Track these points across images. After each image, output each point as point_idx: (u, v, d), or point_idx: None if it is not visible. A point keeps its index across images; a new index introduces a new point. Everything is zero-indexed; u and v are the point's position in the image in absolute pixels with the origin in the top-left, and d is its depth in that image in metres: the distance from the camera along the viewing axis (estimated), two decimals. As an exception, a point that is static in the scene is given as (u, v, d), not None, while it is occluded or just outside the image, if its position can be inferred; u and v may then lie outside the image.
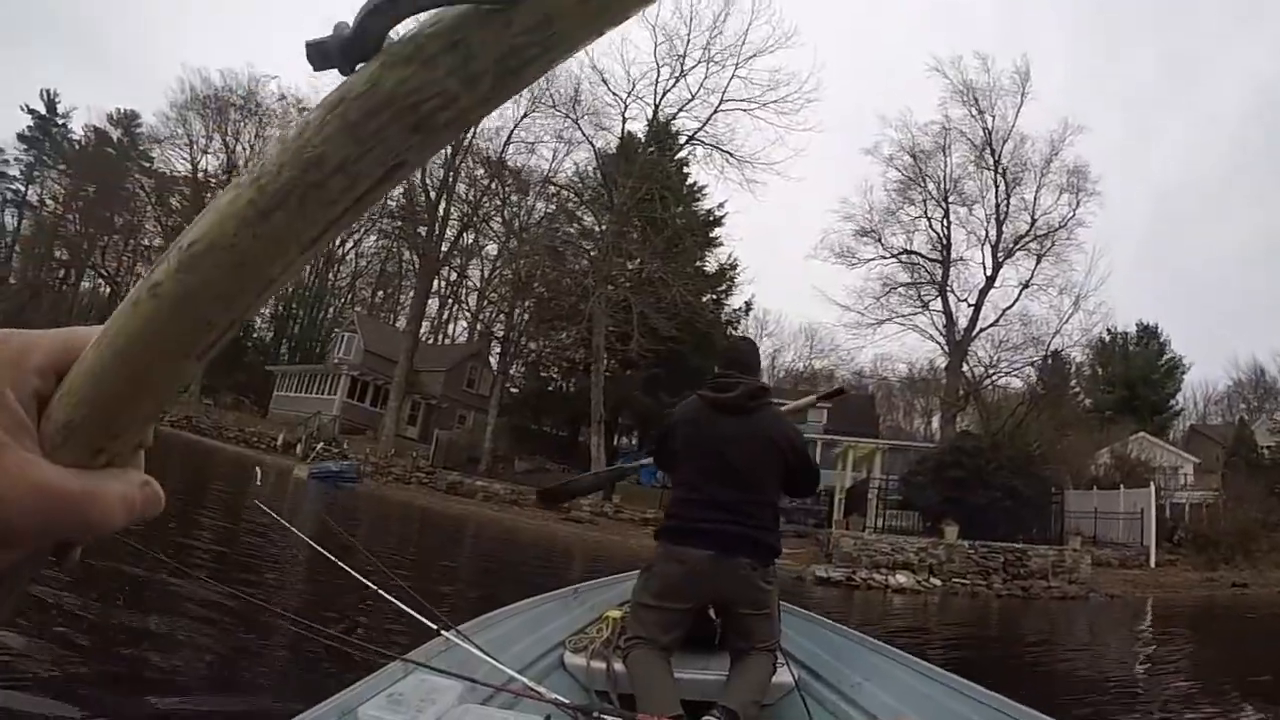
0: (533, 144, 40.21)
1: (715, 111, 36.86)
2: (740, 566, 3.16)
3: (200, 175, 58.12)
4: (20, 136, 69.24)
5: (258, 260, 0.37)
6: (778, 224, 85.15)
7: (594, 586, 4.49)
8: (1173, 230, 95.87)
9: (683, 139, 38.62)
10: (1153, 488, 27.47)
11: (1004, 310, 38.18)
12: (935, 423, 64.60)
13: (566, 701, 2.33)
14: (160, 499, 0.43)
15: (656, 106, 37.12)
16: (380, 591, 3.14)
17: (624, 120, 37.32)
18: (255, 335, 64.13)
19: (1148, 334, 52.52)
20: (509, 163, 40.64)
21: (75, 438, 0.39)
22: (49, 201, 69.46)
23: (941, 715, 2.66)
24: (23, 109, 69.20)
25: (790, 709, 3.13)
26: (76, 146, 68.51)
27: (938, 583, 20.31)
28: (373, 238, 57.55)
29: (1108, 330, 43.51)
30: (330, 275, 65.37)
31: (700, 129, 37.24)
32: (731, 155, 36.93)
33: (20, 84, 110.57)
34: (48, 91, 70.13)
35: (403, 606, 2.86)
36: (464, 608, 3.64)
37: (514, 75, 0.36)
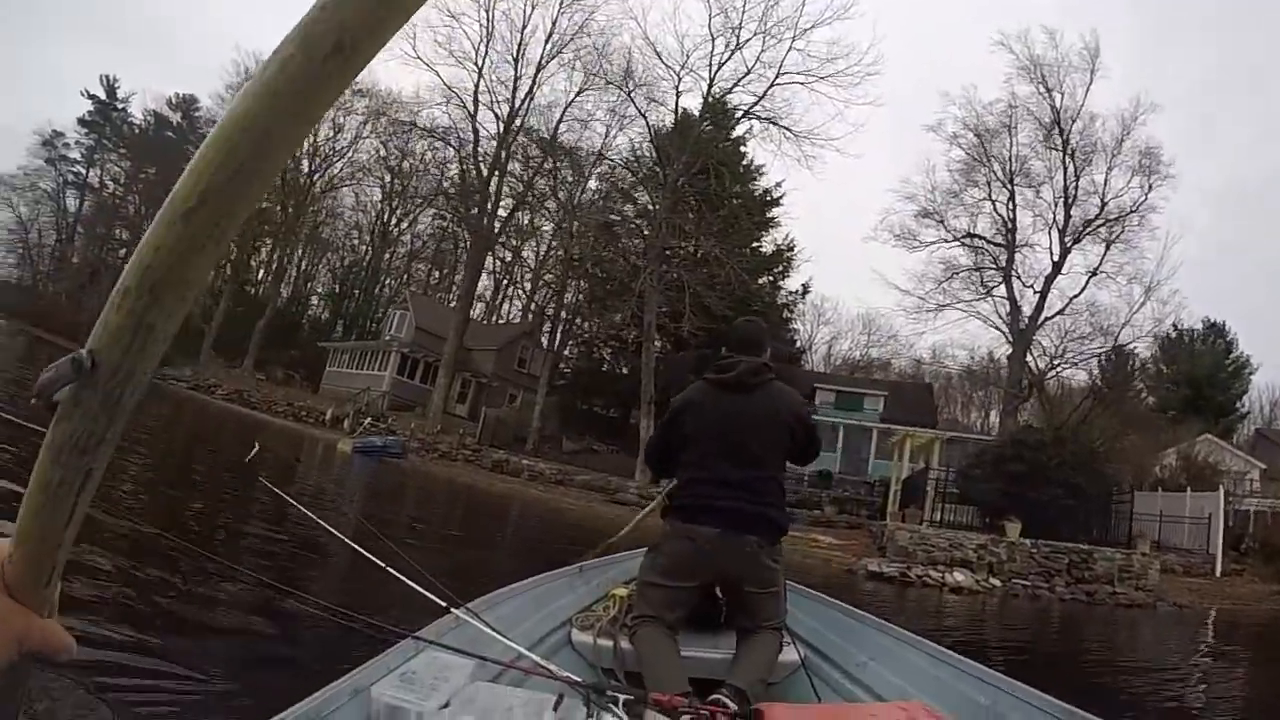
0: (586, 121, 39.46)
1: (772, 85, 35.27)
2: (748, 544, 3.15)
3: None
4: (81, 121, 70.63)
5: None
6: (836, 207, 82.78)
7: (600, 564, 4.47)
8: (1239, 226, 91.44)
9: (739, 114, 37.29)
10: (1221, 491, 26.03)
11: (1071, 298, 36.46)
12: (994, 416, 63.32)
13: (578, 679, 2.27)
14: (73, 647, 0.68)
15: (711, 80, 35.81)
16: (389, 569, 3.07)
17: (678, 94, 36.19)
18: (310, 313, 64.49)
19: (1214, 331, 50.34)
20: (562, 141, 39.87)
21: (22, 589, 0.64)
22: (110, 184, 71.27)
23: (947, 695, 2.61)
24: (83, 94, 70.77)
25: (797, 687, 3.14)
26: (136, 130, 69.75)
27: (997, 583, 18.99)
28: (428, 217, 57.37)
29: (1174, 326, 41.48)
30: (386, 255, 65.40)
31: (757, 103, 35.72)
32: (789, 130, 35.42)
33: (82, 72, 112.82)
34: (107, 77, 71.49)
35: (412, 584, 2.82)
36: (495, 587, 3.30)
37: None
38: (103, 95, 71.09)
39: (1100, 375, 42.34)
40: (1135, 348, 38.62)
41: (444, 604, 2.65)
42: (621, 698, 2.20)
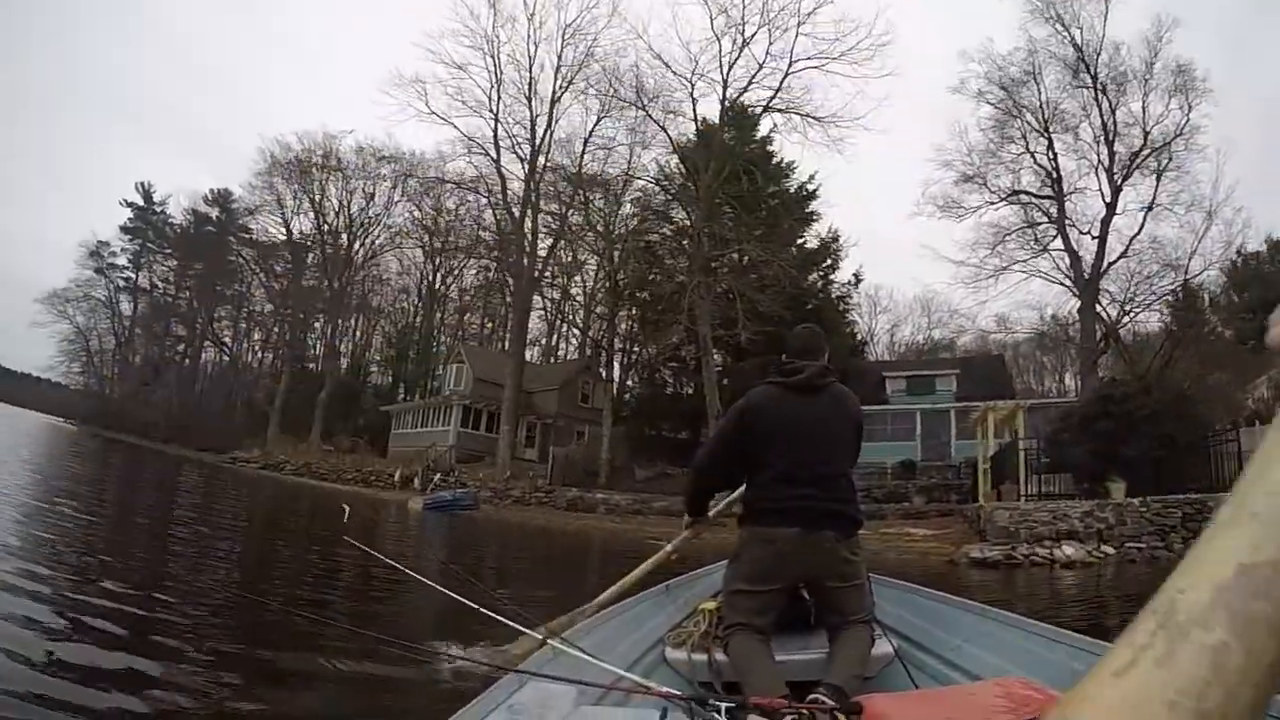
0: (609, 147, 39.07)
1: (786, 75, 34.32)
2: (825, 540, 3.14)
3: (296, 236, 59.91)
4: (123, 228, 73.10)
5: None
6: (877, 192, 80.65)
7: (685, 581, 4.45)
8: None
9: (759, 112, 36.31)
10: None
11: (1131, 238, 34.66)
12: (1069, 379, 61.43)
13: (679, 694, 2.31)
14: None
15: (725, 82, 34.94)
16: (482, 609, 3.17)
17: (694, 102, 35.43)
18: (372, 381, 65.06)
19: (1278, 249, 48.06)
20: (588, 171, 39.50)
21: None
22: (159, 284, 73.58)
23: (1043, 667, 2.57)
24: (122, 203, 73.50)
25: (893, 678, 3.14)
26: (178, 230, 71.73)
27: (1110, 550, 17.53)
28: (473, 270, 57.33)
29: (1237, 252, 38.65)
30: (437, 314, 65.57)
31: (774, 96, 34.74)
32: (812, 117, 34.39)
33: (111, 178, 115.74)
34: (143, 184, 74.03)
35: (506, 621, 2.94)
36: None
37: None
38: (140, 201, 73.36)
39: (1172, 317, 40.33)
40: (1204, 282, 36.83)
41: (539, 636, 2.71)
42: (724, 705, 2.20)
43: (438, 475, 36.13)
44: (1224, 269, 38.01)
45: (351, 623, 6.55)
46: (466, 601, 3.29)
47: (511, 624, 2.96)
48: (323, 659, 5.38)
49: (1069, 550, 17.31)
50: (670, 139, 35.82)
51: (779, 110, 34.99)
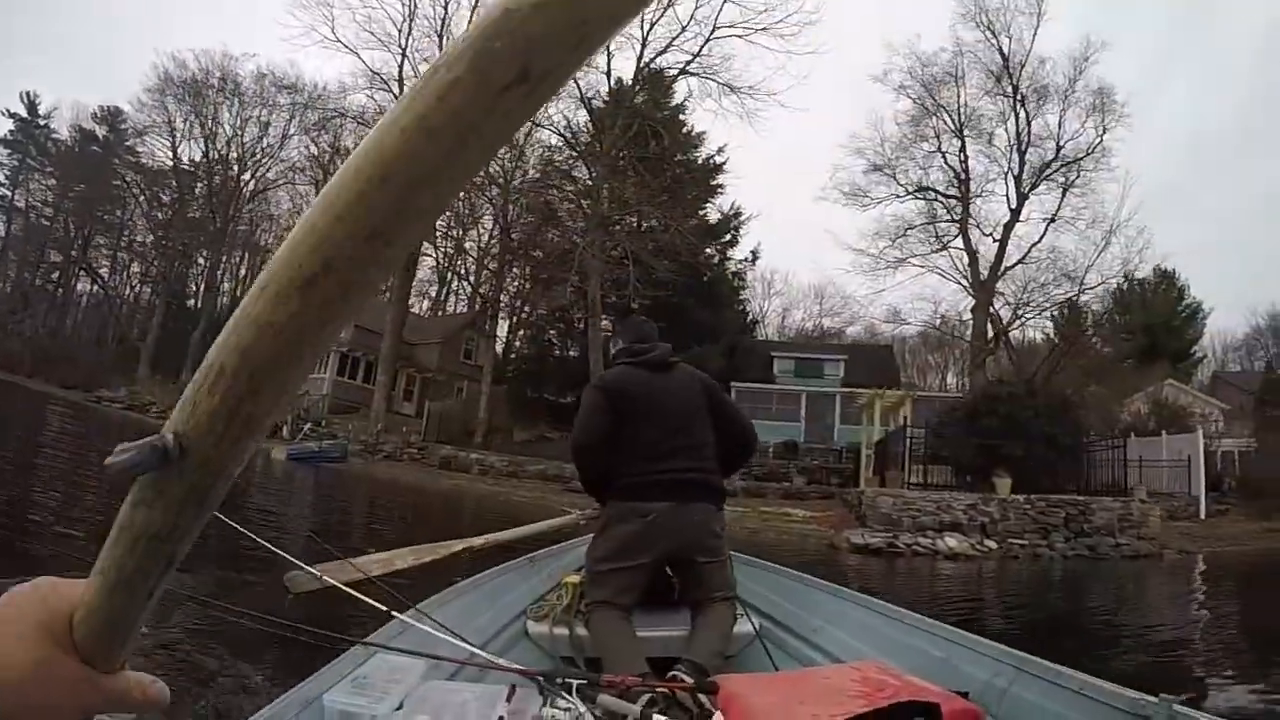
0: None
1: (708, 40, 32.97)
2: (699, 512, 3.19)
3: (185, 164, 55.78)
4: (3, 141, 66.90)
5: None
6: (787, 175, 79.43)
7: (550, 554, 4.33)
8: (1181, 176, 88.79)
9: (674, 74, 34.78)
10: (1200, 432, 24.88)
11: (1031, 246, 34.78)
12: (951, 378, 62.02)
13: (529, 670, 2.33)
14: (165, 695, 0.60)
15: (644, 40, 33.23)
16: (329, 580, 2.90)
17: (609, 55, 33.29)
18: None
19: (1165, 279, 48.86)
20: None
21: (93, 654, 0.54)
22: (37, 204, 67.29)
23: (902, 651, 2.61)
24: (3, 114, 66.64)
25: (754, 657, 3.13)
26: (62, 147, 65.93)
27: (993, 544, 16.94)
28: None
29: (1124, 276, 39.05)
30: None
31: (693, 60, 33.37)
32: (728, 86, 33.17)
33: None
34: (28, 94, 67.71)
35: (354, 593, 2.75)
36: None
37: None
38: (24, 112, 67.19)
39: (1056, 329, 41.15)
40: (1092, 299, 37.01)
41: (386, 608, 2.58)
42: (574, 683, 2.18)
43: (308, 425, 34.22)
44: (1110, 291, 38.46)
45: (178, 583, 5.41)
46: (311, 571, 3.00)
47: (355, 593, 2.77)
48: (160, 630, 5.11)
49: (952, 542, 16.72)
50: (579, 89, 33.69)
51: (696, 74, 33.54)
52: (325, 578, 2.94)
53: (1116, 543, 17.33)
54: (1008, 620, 9.86)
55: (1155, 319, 44.81)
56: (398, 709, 1.94)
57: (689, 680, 2.42)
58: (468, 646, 2.43)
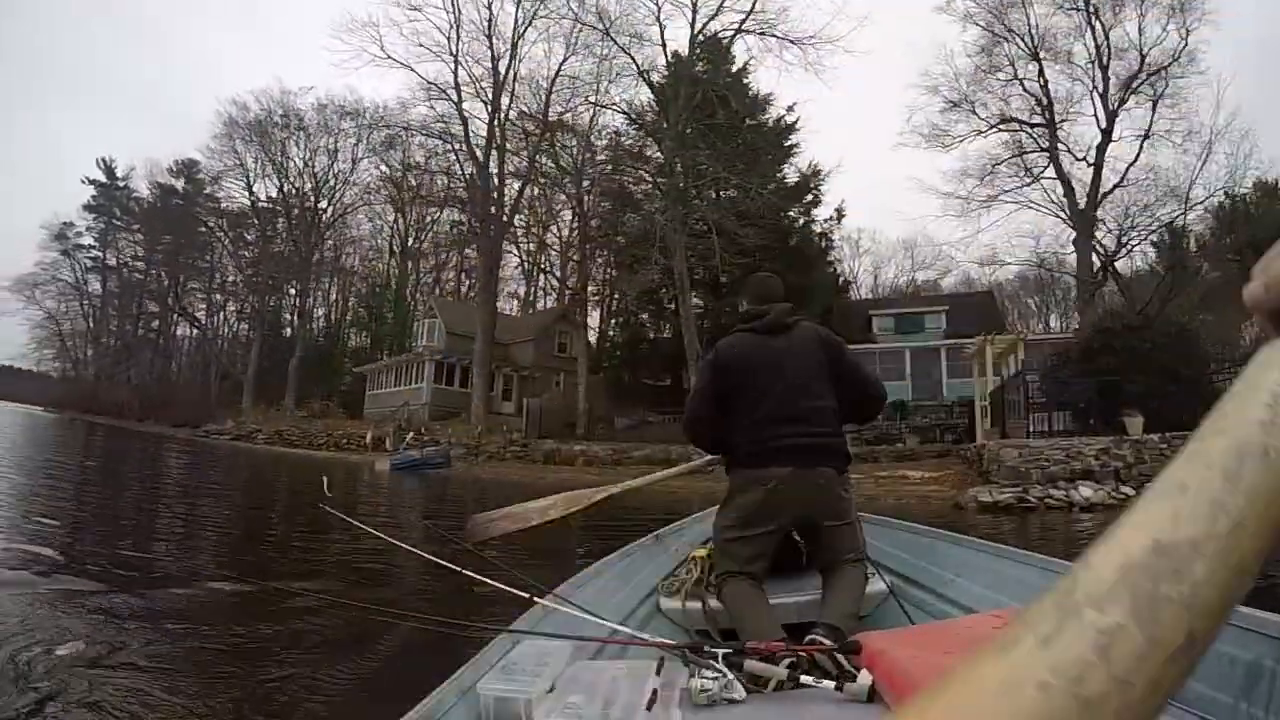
0: (575, 88, 36.30)
1: (760, -10, 31.65)
2: (821, 476, 3.10)
3: (262, 201, 57.11)
4: (86, 207, 70.28)
5: None
6: (859, 131, 77.06)
7: (674, 529, 4.36)
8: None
9: (730, 35, 33.64)
10: None
11: (1128, 166, 32.66)
12: (1053, 321, 59.49)
13: (674, 643, 2.34)
14: None
15: (695, 6, 32.26)
16: (468, 573, 3.07)
17: (661, 28, 32.66)
18: (352, 344, 63.17)
19: (1268, 192, 46.32)
20: (555, 116, 36.94)
21: None
22: (128, 261, 70.63)
23: (1035, 594, 0.83)
24: (84, 181, 70.24)
25: (889, 615, 3.11)
26: (144, 204, 68.39)
27: (1130, 491, 15.25)
28: (446, 227, 54.84)
29: (1225, 194, 36.39)
30: (410, 270, 63.28)
31: (747, 17, 32.21)
32: (787, 39, 32.09)
33: (66, 158, 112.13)
34: (104, 159, 70.89)
35: (495, 584, 2.83)
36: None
37: None
38: (103, 177, 70.30)
39: (1159, 257, 39.78)
40: (1192, 222, 35.25)
41: (527, 595, 2.64)
42: (720, 652, 2.19)
43: (410, 434, 33.96)
44: (1211, 211, 36.32)
45: (336, 595, 6.36)
46: (452, 566, 3.21)
47: (497, 584, 2.78)
48: (312, 632, 5.36)
49: (1086, 491, 15.43)
50: (636, 64, 33.09)
51: (752, 31, 32.49)
52: (469, 573, 3.07)
53: None
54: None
55: (1262, 234, 42.27)
56: (549, 691, 1.98)
57: (827, 642, 2.40)
58: (610, 624, 2.53)
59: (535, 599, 2.62)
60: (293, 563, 8.96)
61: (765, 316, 3.35)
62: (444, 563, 3.26)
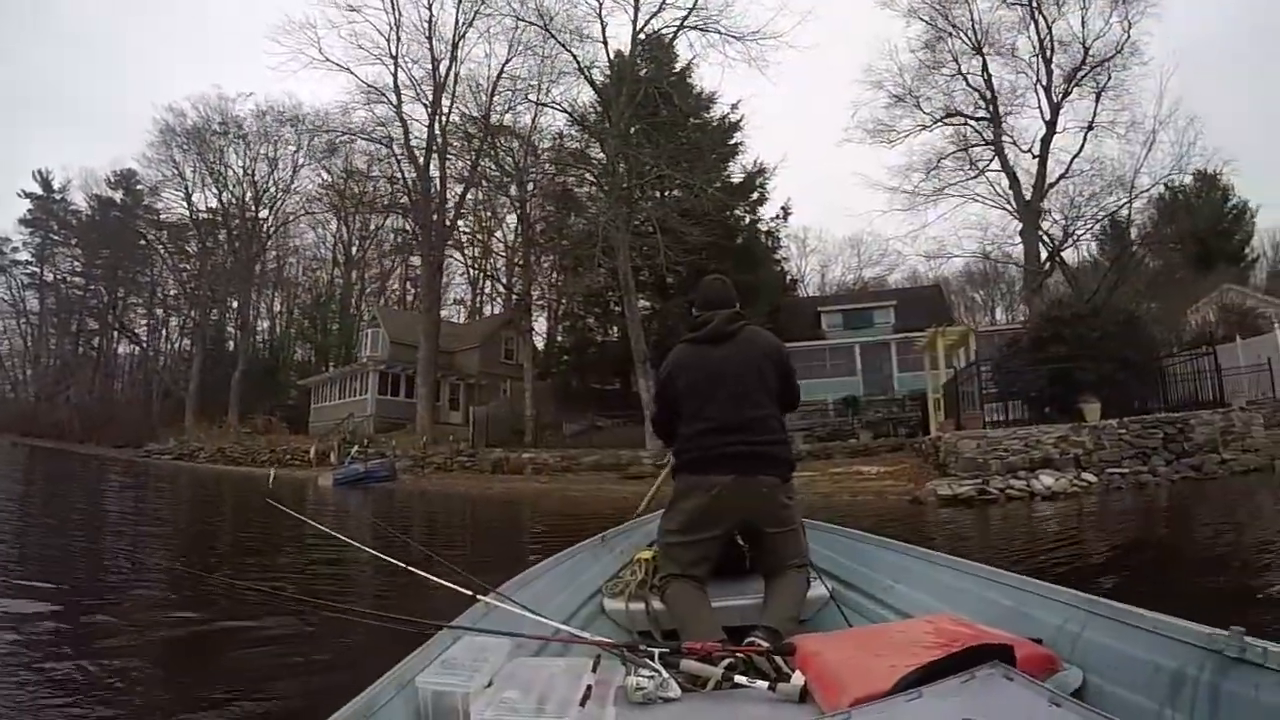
0: (516, 89, 35.19)
1: (702, -14, 30.82)
2: (763, 484, 3.13)
3: (202, 211, 55.03)
4: (23, 221, 67.91)
5: None
6: (803, 131, 76.64)
7: (621, 531, 4.42)
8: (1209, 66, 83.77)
9: (673, 31, 32.52)
10: (1278, 331, 22.78)
11: (1072, 158, 32.46)
12: (999, 313, 59.77)
13: (612, 641, 2.36)
14: None
15: (636, 4, 31.08)
16: (411, 569, 3.05)
17: (603, 25, 31.55)
18: (298, 356, 61.45)
19: (1207, 182, 46.63)
20: (497, 116, 35.86)
21: None
22: (67, 277, 67.82)
23: (973, 603, 2.64)
24: (20, 194, 67.61)
25: (828, 619, 3.15)
26: (82, 217, 65.98)
27: (1091, 478, 15.33)
28: (391, 235, 53.52)
29: (1165, 186, 36.36)
30: (355, 279, 61.74)
31: (689, 13, 31.08)
32: (730, 35, 31.07)
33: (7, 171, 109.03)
34: (41, 171, 68.10)
35: (438, 579, 2.85)
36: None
37: None
38: (39, 190, 67.64)
39: (1100, 249, 40.27)
40: (1137, 210, 34.75)
41: (470, 592, 2.65)
42: (657, 651, 2.20)
43: (354, 447, 33.25)
44: (1153, 202, 36.40)
45: (278, 591, 6.42)
46: (396, 563, 3.19)
47: (439, 579, 2.80)
48: (254, 629, 5.33)
49: (1048, 480, 15.25)
50: (577, 60, 31.93)
51: (695, 27, 31.41)
52: (413, 569, 3.06)
53: (1222, 458, 15.82)
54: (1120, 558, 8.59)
55: (1202, 223, 42.63)
56: (488, 686, 1.97)
57: (765, 644, 2.41)
58: (550, 623, 2.56)
59: (478, 596, 2.62)
60: (236, 565, 8.89)
61: (708, 325, 3.37)
62: (389, 559, 3.27)
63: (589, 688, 1.94)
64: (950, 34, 34.15)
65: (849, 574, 3.62)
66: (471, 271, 53.01)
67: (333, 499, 22.23)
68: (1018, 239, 33.57)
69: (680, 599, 2.97)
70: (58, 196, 67.63)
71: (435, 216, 36.68)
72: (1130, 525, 11.70)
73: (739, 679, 2.12)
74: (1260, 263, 52.44)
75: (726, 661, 2.22)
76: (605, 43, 31.86)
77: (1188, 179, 38.77)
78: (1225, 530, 10.18)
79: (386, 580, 6.21)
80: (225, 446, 41.12)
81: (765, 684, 2.10)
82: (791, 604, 2.96)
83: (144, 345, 66.24)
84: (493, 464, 28.92)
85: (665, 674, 2.07)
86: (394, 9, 35.88)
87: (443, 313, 44.64)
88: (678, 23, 31.37)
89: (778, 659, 2.24)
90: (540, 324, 48.39)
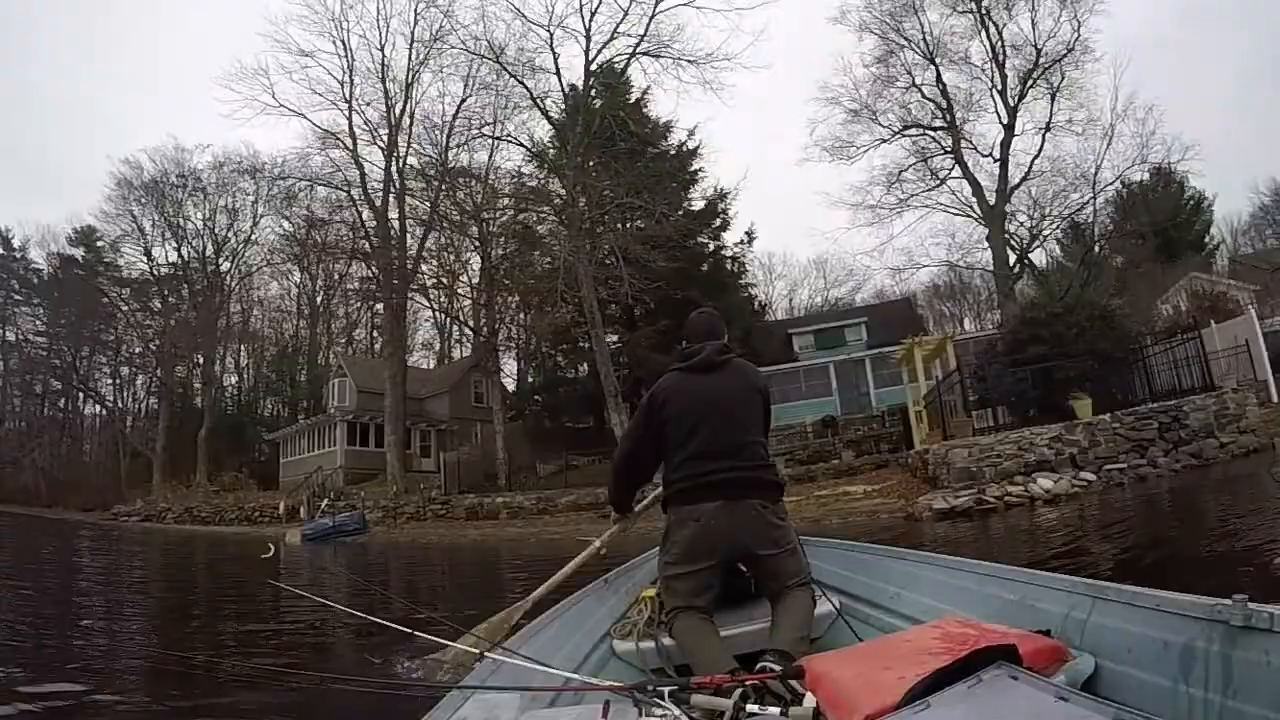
0: (469, 123, 34.29)
1: (653, 16, 29.98)
2: (751, 508, 3.09)
3: (165, 266, 53.48)
4: None
5: None
6: (762, 155, 76.43)
7: (623, 571, 4.24)
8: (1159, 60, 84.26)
9: (626, 58, 31.70)
10: (1253, 313, 23.16)
11: (1032, 160, 32.38)
12: (968, 324, 59.52)
13: (618, 685, 2.25)
14: None
15: (588, 34, 30.34)
16: (418, 634, 3.03)
17: (555, 56, 30.72)
18: (268, 410, 59.89)
19: (1162, 177, 46.90)
20: (455, 157, 35.13)
21: None
22: (29, 337, 64.93)
23: (978, 601, 2.63)
24: None
25: (838, 635, 3.13)
26: (44, 276, 63.94)
27: (1090, 476, 14.62)
28: (354, 285, 52.14)
29: (1122, 184, 36.48)
30: (321, 330, 60.33)
31: (641, 40, 30.35)
32: (684, 59, 30.34)
33: None
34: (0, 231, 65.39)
35: (442, 641, 2.95)
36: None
37: None
38: (-1, 250, 65.47)
39: (1062, 249, 41.39)
40: (1101, 207, 35.18)
41: (476, 651, 2.65)
42: (665, 690, 2.12)
43: (324, 501, 31.98)
44: (1110, 199, 36.53)
45: (279, 667, 6.10)
46: (399, 628, 3.12)
47: (443, 641, 2.89)
48: (255, 708, 4.85)
49: (1046, 483, 14.45)
50: (530, 92, 31.00)
51: (648, 54, 30.72)
52: (415, 633, 3.03)
53: (1221, 443, 15.16)
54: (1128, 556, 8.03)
55: (1161, 217, 42.70)
56: None
57: (776, 669, 2.36)
58: (559, 673, 2.54)
59: (485, 654, 2.58)
60: (223, 644, 8.17)
61: (699, 355, 3.35)
62: (391, 625, 3.19)
63: None
64: (903, 46, 34.08)
65: (854, 587, 3.59)
66: (438, 318, 51.82)
67: (299, 559, 20.89)
68: (985, 244, 33.35)
69: (688, 632, 2.93)
70: (18, 254, 65.45)
71: (396, 260, 35.64)
72: (1141, 522, 11.03)
73: (751, 708, 2.06)
74: (1221, 249, 52.95)
75: (739, 692, 2.16)
76: (559, 73, 31.16)
77: (1145, 175, 38.81)
78: (1245, 516, 9.32)
79: (387, 646, 5.62)
80: (193, 506, 39.67)
81: (778, 710, 2.04)
82: (799, 624, 2.91)
83: (109, 405, 64.18)
84: (466, 510, 27.87)
85: (677, 711, 2.03)
86: (347, 53, 35.27)
87: (411, 359, 43.67)
88: (630, 49, 30.71)
89: (791, 682, 2.19)
90: (511, 365, 47.48)
